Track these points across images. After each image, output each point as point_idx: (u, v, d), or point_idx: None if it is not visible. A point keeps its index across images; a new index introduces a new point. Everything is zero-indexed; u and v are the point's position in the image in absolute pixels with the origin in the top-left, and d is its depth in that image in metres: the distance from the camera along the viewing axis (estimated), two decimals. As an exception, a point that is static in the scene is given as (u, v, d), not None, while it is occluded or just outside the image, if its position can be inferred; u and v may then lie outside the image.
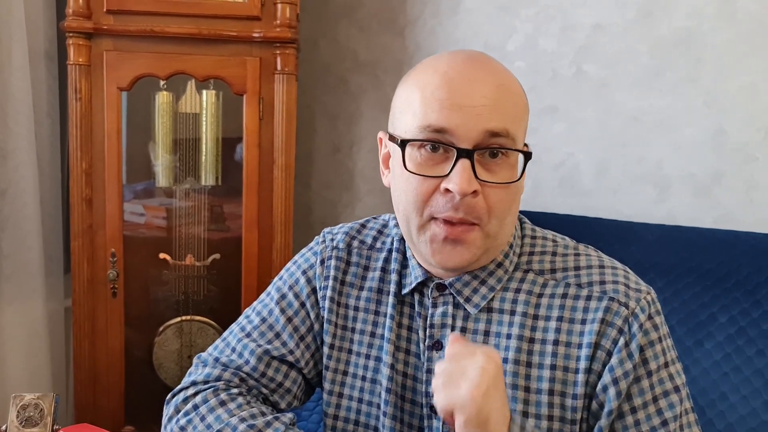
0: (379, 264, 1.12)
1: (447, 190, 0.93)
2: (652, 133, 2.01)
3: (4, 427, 1.27)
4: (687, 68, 1.95)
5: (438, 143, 0.93)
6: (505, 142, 0.93)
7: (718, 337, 1.59)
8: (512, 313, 1.01)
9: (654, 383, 0.97)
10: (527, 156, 0.96)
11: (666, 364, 0.99)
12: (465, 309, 1.03)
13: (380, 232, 1.15)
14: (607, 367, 0.96)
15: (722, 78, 1.91)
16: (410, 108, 0.97)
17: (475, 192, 0.93)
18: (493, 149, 0.93)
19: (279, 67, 2.02)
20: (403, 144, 0.96)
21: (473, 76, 0.94)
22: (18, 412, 1.24)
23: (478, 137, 0.92)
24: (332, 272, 1.13)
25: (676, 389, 0.98)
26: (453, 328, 1.03)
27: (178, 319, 2.20)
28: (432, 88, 0.94)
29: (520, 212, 1.12)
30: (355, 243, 1.15)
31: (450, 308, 1.04)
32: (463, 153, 0.92)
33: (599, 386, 0.96)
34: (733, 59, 1.89)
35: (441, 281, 1.04)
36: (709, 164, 1.94)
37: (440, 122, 0.93)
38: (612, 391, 0.95)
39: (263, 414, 1.03)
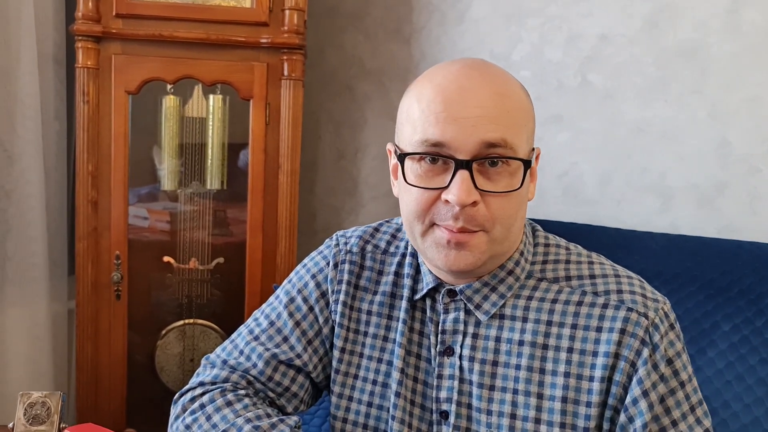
0: (393, 268, 1.12)
1: (447, 201, 0.94)
2: (656, 144, 2.02)
3: (11, 425, 1.27)
4: (692, 80, 1.96)
5: (437, 156, 0.94)
6: (503, 152, 0.93)
7: (721, 345, 1.59)
8: (524, 320, 1.02)
9: (689, 393, 0.98)
10: (526, 164, 0.96)
11: (693, 372, 1.00)
12: (476, 316, 1.03)
13: (394, 236, 1.15)
14: (635, 380, 0.95)
15: (727, 90, 1.92)
16: (409, 121, 0.97)
17: (474, 202, 0.93)
18: (491, 159, 0.93)
19: (286, 73, 2.03)
20: (402, 157, 0.98)
21: (468, 86, 0.94)
22: (25, 409, 1.25)
23: (475, 148, 0.92)
24: (346, 276, 1.13)
25: (704, 397, 1.00)
26: (464, 335, 1.03)
27: (181, 322, 2.21)
28: (428, 100, 0.95)
29: (532, 220, 1.13)
30: (369, 247, 1.15)
31: (461, 314, 1.04)
32: (461, 164, 0.92)
33: (628, 399, 0.96)
34: (737, 71, 1.90)
35: (452, 287, 1.04)
36: (712, 175, 1.95)
37: (437, 136, 0.93)
38: (643, 403, 0.95)
39: (269, 416, 1.03)
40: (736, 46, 1.90)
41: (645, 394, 0.95)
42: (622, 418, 0.96)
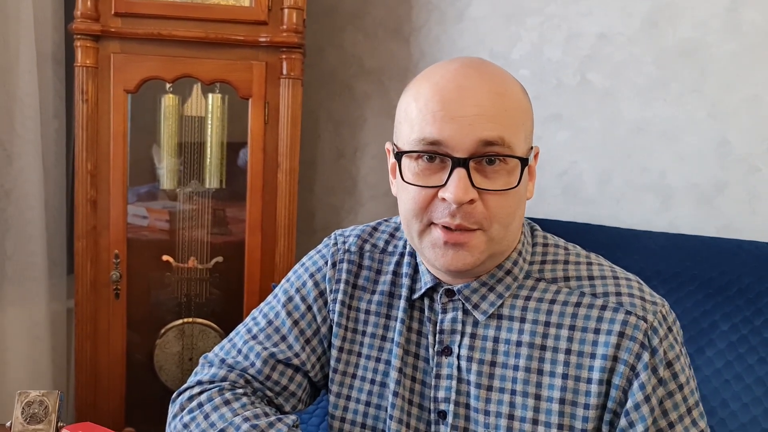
0: (391, 268, 1.11)
1: (444, 199, 0.94)
2: (655, 143, 2.02)
3: (8, 424, 1.27)
4: (691, 79, 1.96)
5: (434, 154, 0.94)
6: (500, 150, 0.93)
7: (720, 344, 1.59)
8: (522, 320, 1.01)
9: (687, 396, 0.98)
10: (524, 162, 0.96)
11: (692, 375, 1.00)
12: (474, 315, 1.03)
13: (392, 235, 1.15)
14: (636, 385, 0.95)
15: (726, 89, 1.92)
16: (407, 120, 0.97)
17: (471, 200, 0.93)
18: (489, 157, 0.93)
19: (285, 72, 2.03)
20: (399, 156, 0.98)
21: (465, 85, 0.94)
22: (23, 408, 1.25)
23: (472, 147, 0.92)
24: (344, 275, 1.12)
25: (701, 398, 1.00)
26: (462, 335, 1.03)
27: (180, 321, 2.21)
28: (425, 99, 0.95)
29: (531, 219, 1.13)
30: (368, 246, 1.15)
31: (459, 314, 1.04)
32: (458, 162, 0.92)
33: (630, 404, 0.95)
34: (737, 71, 1.90)
35: (450, 287, 1.04)
36: (712, 174, 1.95)
37: (434, 135, 0.93)
38: (645, 408, 0.94)
39: (266, 414, 1.03)
40: (735, 45, 1.90)
41: (647, 399, 0.95)
42: (623, 422, 0.96)
